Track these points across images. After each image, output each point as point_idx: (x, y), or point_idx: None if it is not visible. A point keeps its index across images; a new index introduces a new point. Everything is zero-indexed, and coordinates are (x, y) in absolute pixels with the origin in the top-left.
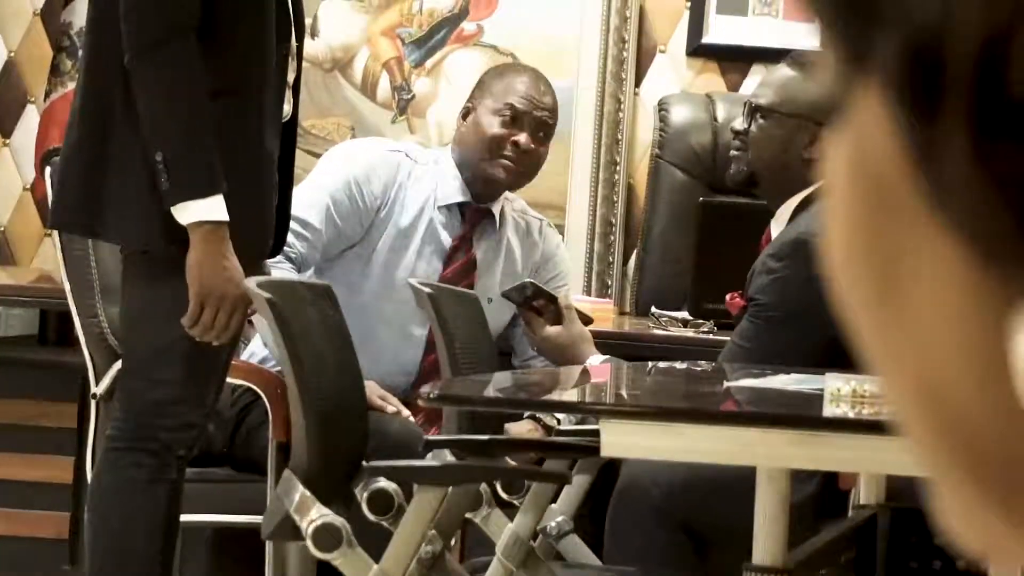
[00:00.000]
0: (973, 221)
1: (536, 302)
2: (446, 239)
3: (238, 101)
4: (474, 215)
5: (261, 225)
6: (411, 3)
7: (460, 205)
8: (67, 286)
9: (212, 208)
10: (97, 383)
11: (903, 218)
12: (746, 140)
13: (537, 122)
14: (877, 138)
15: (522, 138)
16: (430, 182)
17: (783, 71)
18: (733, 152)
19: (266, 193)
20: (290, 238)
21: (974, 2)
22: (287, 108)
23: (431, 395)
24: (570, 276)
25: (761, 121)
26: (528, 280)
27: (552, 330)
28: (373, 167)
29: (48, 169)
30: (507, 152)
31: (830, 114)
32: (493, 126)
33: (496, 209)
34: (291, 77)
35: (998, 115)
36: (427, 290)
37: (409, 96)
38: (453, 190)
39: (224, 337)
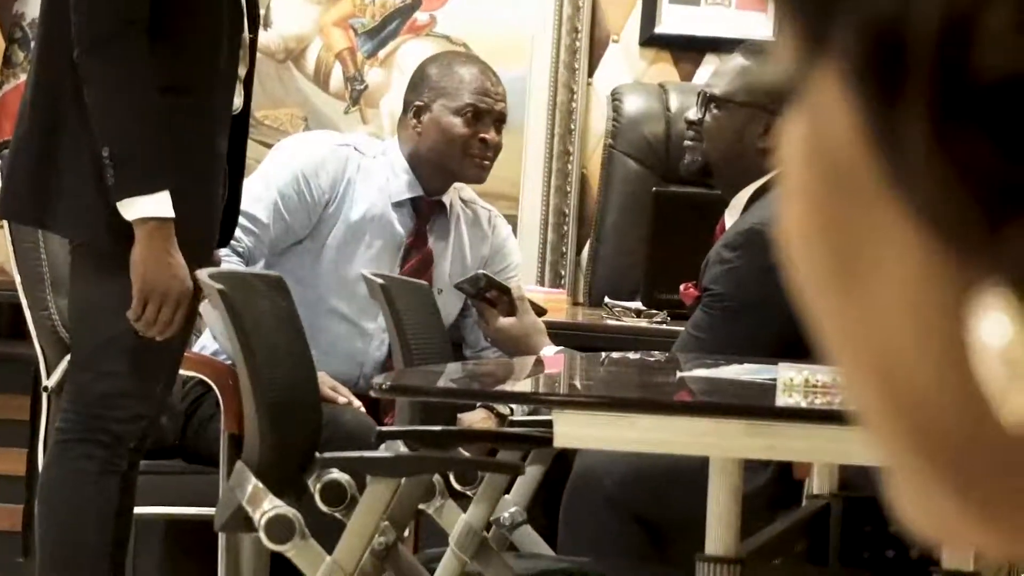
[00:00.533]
0: (933, 205)
1: (489, 293)
2: (400, 235)
3: (188, 97)
4: (427, 208)
5: (208, 222)
6: None
7: (412, 199)
8: (17, 279)
9: (158, 204)
10: (48, 376)
11: (861, 202)
12: (700, 130)
13: (498, 115)
14: (836, 121)
15: (490, 135)
16: (380, 176)
17: (736, 60)
18: (687, 142)
19: (214, 189)
20: (238, 232)
21: None
22: (238, 101)
23: (383, 385)
24: (520, 267)
25: (715, 111)
26: (481, 272)
27: (505, 321)
28: (321, 162)
29: None
30: (476, 151)
31: (784, 102)
32: (457, 126)
33: (447, 200)
34: (243, 71)
35: (960, 98)
36: (379, 281)
37: (362, 87)
38: (404, 185)
39: (168, 332)
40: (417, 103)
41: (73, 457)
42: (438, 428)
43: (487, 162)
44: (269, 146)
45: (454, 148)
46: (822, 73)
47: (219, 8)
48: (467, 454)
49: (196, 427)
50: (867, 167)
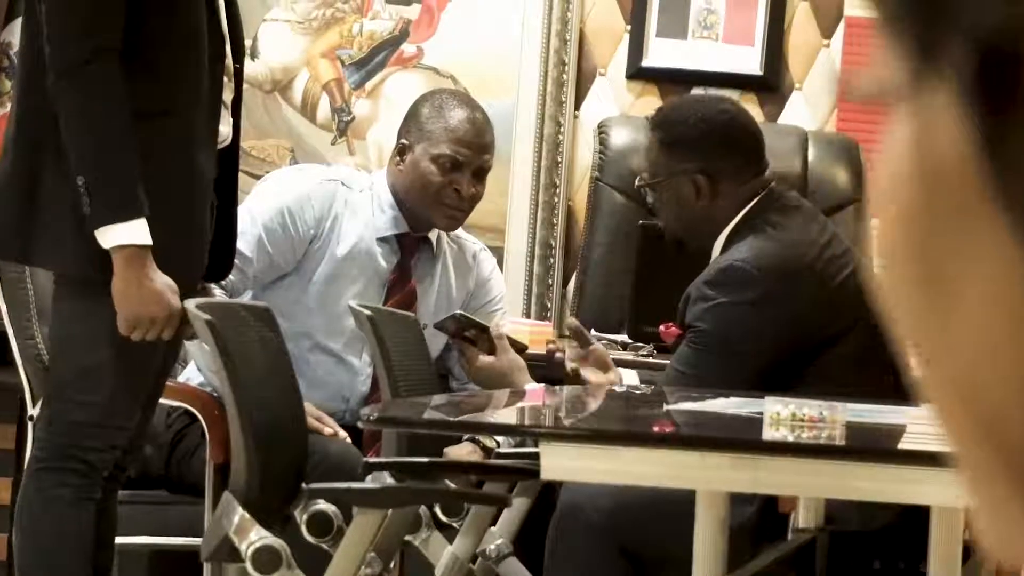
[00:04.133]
0: None
1: (468, 332)
2: (384, 270)
3: (166, 122)
4: (411, 244)
5: (194, 247)
6: (351, 25)
7: (397, 235)
8: (3, 308)
9: (134, 231)
10: (34, 405)
11: (962, 217)
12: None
13: (477, 168)
14: (943, 135)
15: (464, 186)
16: (366, 211)
17: (648, 139)
18: (657, 222)
19: (198, 215)
20: (240, 264)
21: None
22: (225, 130)
23: (371, 416)
24: (505, 301)
25: (652, 195)
26: (458, 312)
27: (486, 360)
28: (307, 196)
29: None
30: (448, 200)
31: (698, 159)
32: (433, 174)
33: (432, 236)
34: (228, 97)
35: None
36: (367, 312)
37: (349, 118)
38: (389, 221)
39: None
40: (403, 141)
41: (48, 486)
42: (425, 460)
43: (459, 212)
44: (256, 177)
45: (427, 195)
46: (929, 89)
47: (199, 34)
48: (453, 486)
49: (181, 457)
50: (972, 181)
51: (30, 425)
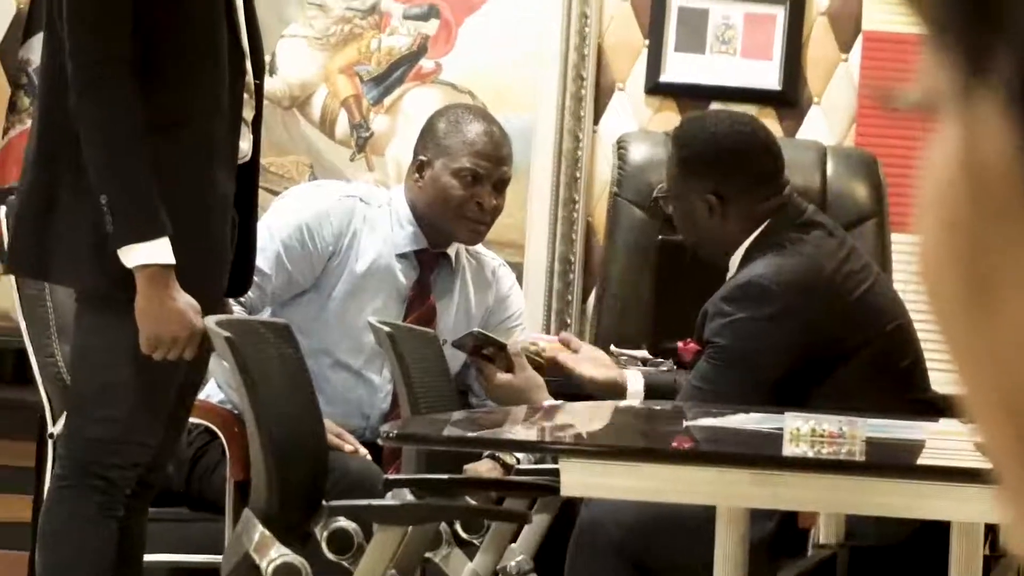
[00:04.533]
0: None
1: (486, 350)
2: (403, 286)
3: (185, 137)
4: (431, 259)
5: (215, 265)
6: (369, 41)
7: (416, 251)
8: (23, 325)
9: (157, 250)
10: (54, 422)
11: (1008, 224)
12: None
13: (498, 180)
14: (990, 145)
15: (485, 199)
16: (385, 227)
17: (669, 151)
18: (676, 237)
19: (218, 232)
20: (258, 281)
21: None
22: (245, 147)
23: (391, 433)
24: (525, 317)
25: (670, 208)
26: (476, 329)
27: (504, 378)
28: (326, 213)
29: (3, 208)
30: (470, 214)
31: (711, 178)
32: (454, 188)
33: (451, 251)
34: (249, 115)
35: None
36: (386, 329)
37: (368, 134)
38: (408, 237)
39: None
40: (421, 157)
41: (70, 503)
42: (445, 476)
43: (482, 226)
44: (275, 193)
45: (449, 209)
46: (976, 98)
47: (219, 49)
48: (474, 502)
49: (201, 474)
50: (1017, 189)
51: (50, 443)
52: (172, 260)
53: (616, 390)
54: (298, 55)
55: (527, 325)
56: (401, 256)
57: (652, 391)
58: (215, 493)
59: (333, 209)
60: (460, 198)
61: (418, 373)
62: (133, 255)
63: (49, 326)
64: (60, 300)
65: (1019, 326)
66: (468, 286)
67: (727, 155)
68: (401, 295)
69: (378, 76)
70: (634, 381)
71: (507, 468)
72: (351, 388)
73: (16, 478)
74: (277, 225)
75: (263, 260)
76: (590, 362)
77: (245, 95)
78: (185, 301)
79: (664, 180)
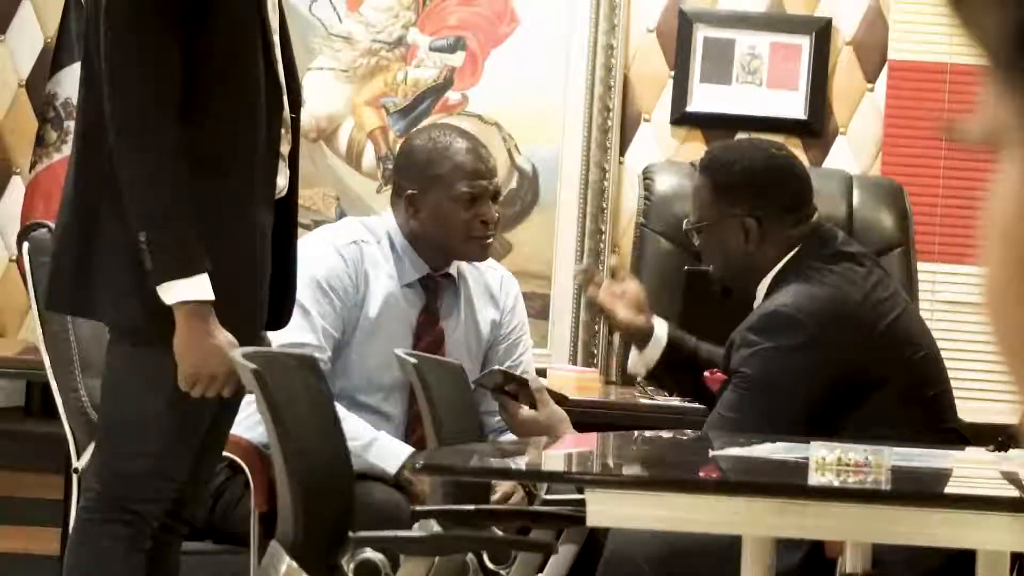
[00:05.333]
0: None
1: (508, 387)
2: (412, 315)
3: (222, 174)
4: (436, 284)
5: (253, 301)
6: (395, 73)
7: (421, 279)
8: (47, 362)
9: (196, 288)
10: (78, 457)
11: None
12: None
13: (493, 192)
14: None
15: (489, 214)
16: (388, 261)
17: (696, 183)
18: (703, 268)
19: (257, 267)
20: (318, 355)
21: None
22: (282, 182)
23: (416, 464)
24: (527, 327)
25: (698, 238)
26: (496, 368)
27: (528, 414)
28: (338, 267)
29: (26, 245)
30: (477, 233)
31: (748, 203)
32: (456, 213)
33: (453, 270)
34: (285, 149)
35: None
36: (413, 360)
37: None
38: (410, 266)
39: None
40: (410, 191)
41: (97, 536)
42: (471, 507)
43: (489, 240)
44: (303, 226)
45: (455, 234)
46: None
47: (257, 86)
48: (500, 533)
49: (225, 508)
50: None
51: (75, 478)
52: (211, 296)
53: (642, 334)
54: (325, 87)
55: (554, 355)
56: (407, 286)
57: (673, 347)
58: (239, 526)
59: (344, 257)
60: (465, 222)
61: (443, 404)
62: (172, 292)
63: (73, 361)
64: (83, 334)
65: None
66: (473, 303)
67: (762, 179)
68: (409, 325)
69: (404, 108)
70: (660, 327)
71: (531, 495)
72: (373, 425)
73: (44, 510)
74: (305, 300)
75: (313, 336)
76: (625, 304)
77: (282, 130)
78: (224, 338)
79: (692, 212)
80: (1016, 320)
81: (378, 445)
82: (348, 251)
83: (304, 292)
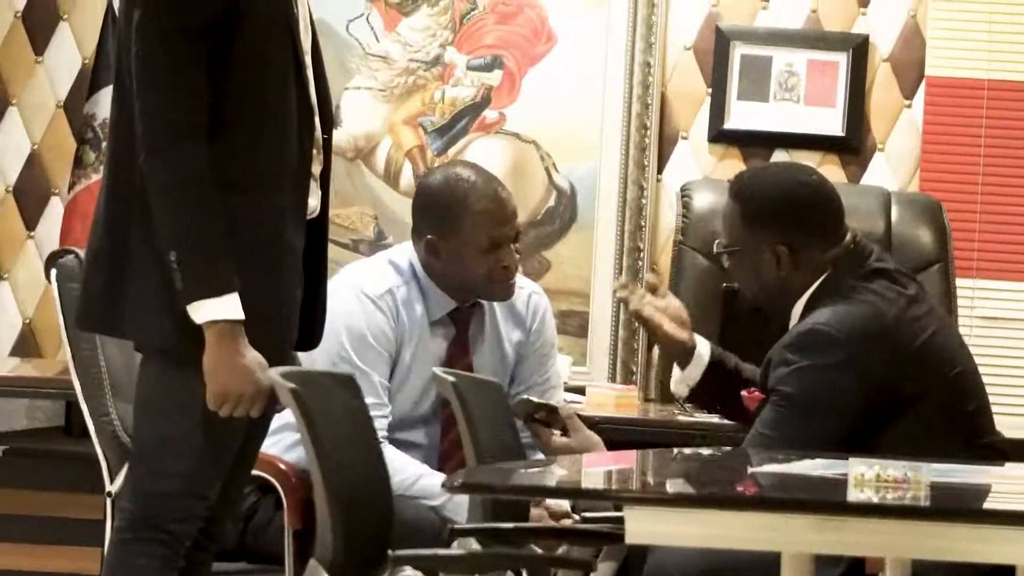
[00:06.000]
0: None
1: (538, 415)
2: (443, 348)
3: (255, 195)
4: (464, 316)
5: (283, 321)
6: (433, 92)
7: (450, 313)
8: (77, 386)
9: (226, 306)
10: (111, 481)
11: None
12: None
13: (515, 235)
14: None
15: (510, 260)
16: (417, 303)
17: (726, 208)
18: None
19: (287, 288)
20: (379, 413)
21: None
22: (313, 202)
23: (456, 483)
24: (555, 345)
25: (729, 262)
26: (524, 396)
27: (561, 441)
28: (378, 319)
29: (54, 272)
30: (499, 277)
31: (779, 231)
32: (479, 260)
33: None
34: (317, 169)
35: None
36: (451, 379)
37: None
38: (439, 304)
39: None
40: (430, 236)
41: (132, 556)
42: (510, 525)
43: (512, 280)
44: (341, 245)
45: (478, 279)
46: None
47: (288, 106)
48: (539, 550)
49: (256, 529)
50: None
51: (108, 502)
52: (241, 316)
53: (685, 350)
54: (362, 107)
55: (592, 373)
56: (435, 323)
57: (715, 365)
58: (272, 546)
59: (382, 313)
60: (486, 269)
61: (483, 423)
62: (202, 311)
63: (103, 385)
64: (112, 356)
65: None
66: (499, 327)
67: (794, 206)
68: (439, 358)
69: (442, 127)
70: (703, 345)
71: (573, 509)
72: (412, 456)
73: (85, 530)
74: (356, 358)
75: (375, 396)
76: (670, 319)
77: (314, 150)
78: (253, 358)
79: (722, 234)
80: None
81: (423, 481)
82: (385, 302)
83: (355, 351)
